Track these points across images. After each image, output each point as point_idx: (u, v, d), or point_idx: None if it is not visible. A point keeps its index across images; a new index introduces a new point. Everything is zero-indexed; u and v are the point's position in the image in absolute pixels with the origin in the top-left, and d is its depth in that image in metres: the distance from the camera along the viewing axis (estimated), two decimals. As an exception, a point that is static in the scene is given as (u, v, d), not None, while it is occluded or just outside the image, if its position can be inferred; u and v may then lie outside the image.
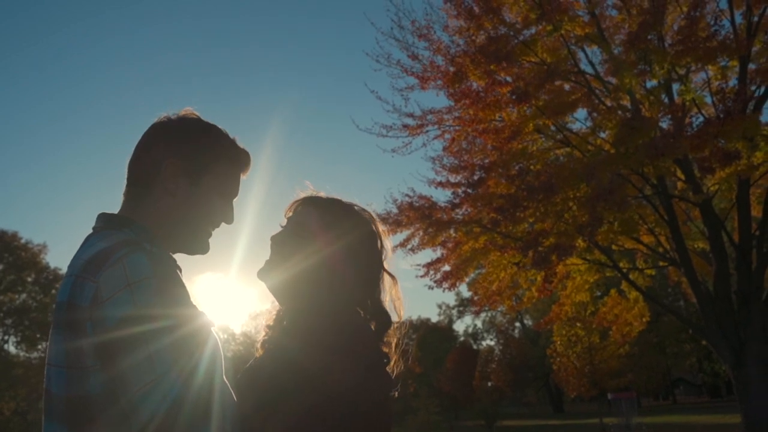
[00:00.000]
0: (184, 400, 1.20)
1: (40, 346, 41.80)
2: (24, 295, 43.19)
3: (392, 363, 1.56)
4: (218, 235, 1.58)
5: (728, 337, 12.97)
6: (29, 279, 43.17)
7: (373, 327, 1.54)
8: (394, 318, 1.59)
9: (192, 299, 1.33)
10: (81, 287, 1.25)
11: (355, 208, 1.64)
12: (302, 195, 1.67)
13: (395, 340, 1.60)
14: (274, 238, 1.59)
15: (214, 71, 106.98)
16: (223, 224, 1.57)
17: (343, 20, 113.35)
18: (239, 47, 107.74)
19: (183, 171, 1.46)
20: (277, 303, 1.63)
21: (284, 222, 1.64)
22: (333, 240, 1.54)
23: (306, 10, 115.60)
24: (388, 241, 1.66)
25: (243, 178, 1.61)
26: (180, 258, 1.50)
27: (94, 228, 1.44)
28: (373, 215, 1.67)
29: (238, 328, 61.40)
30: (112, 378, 1.21)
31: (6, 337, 42.55)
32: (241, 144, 1.59)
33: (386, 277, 1.62)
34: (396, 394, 1.56)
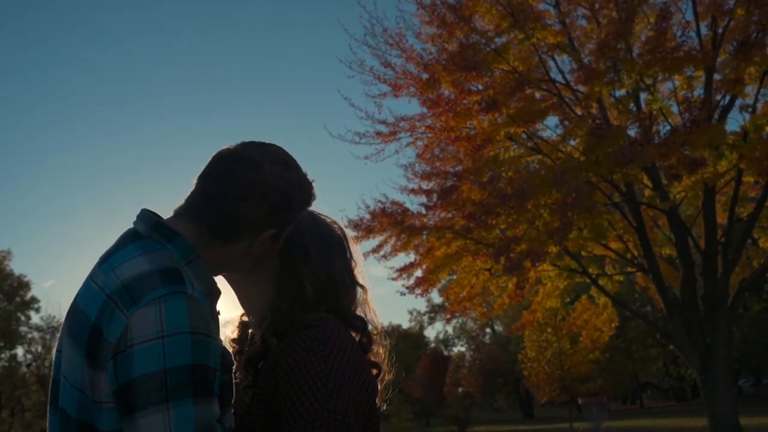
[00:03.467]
0: None
1: (3, 355, 40.78)
2: (-14, 303, 42.06)
3: (383, 374, 1.53)
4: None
5: (695, 341, 13.20)
6: (-8, 286, 42.05)
7: (357, 337, 1.50)
8: (371, 328, 1.55)
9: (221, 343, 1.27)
10: (111, 316, 1.17)
11: (327, 220, 1.60)
12: None
13: (383, 350, 1.56)
14: None
15: (188, 82, 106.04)
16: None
17: (317, 27, 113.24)
18: (213, 53, 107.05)
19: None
20: (241, 309, 1.59)
21: None
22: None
23: (280, 15, 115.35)
24: (359, 253, 1.63)
25: None
26: None
27: (135, 226, 1.33)
28: (343, 227, 1.63)
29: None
30: (125, 426, 1.13)
31: (-33, 346, 41.39)
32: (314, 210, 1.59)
33: (358, 289, 1.58)
34: (385, 406, 1.51)
